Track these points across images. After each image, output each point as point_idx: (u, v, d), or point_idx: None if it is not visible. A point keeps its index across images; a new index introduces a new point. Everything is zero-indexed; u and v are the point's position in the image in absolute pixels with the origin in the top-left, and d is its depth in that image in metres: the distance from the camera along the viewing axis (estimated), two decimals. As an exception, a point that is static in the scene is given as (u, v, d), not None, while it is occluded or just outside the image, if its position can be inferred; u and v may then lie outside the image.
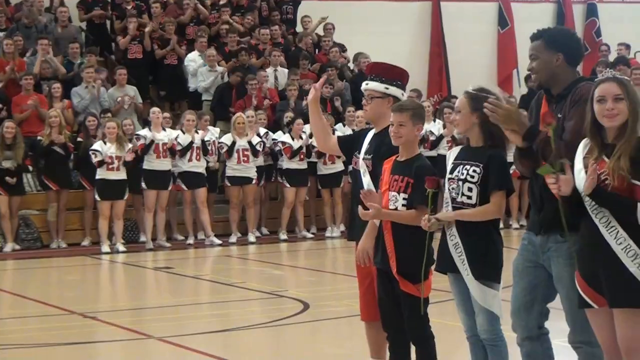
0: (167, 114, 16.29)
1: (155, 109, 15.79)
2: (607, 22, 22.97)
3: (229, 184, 16.01)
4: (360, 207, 5.91)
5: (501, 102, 5.06)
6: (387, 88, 6.24)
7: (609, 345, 4.69)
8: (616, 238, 4.52)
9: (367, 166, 6.16)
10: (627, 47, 20.31)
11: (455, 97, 18.28)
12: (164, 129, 15.53)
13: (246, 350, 8.33)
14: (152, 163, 15.28)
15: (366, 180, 6.14)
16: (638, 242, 4.48)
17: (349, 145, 6.47)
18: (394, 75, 6.31)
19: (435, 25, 21.99)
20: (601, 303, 4.65)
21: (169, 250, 15.32)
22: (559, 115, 4.97)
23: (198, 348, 8.18)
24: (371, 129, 6.32)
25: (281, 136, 16.39)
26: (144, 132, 15.44)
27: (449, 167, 5.60)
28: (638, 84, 16.58)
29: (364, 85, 6.38)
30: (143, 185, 15.26)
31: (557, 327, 5.37)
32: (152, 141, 15.17)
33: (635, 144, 4.49)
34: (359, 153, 6.31)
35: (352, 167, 6.50)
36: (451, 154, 5.67)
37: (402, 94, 6.27)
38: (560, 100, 5.04)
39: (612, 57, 20.06)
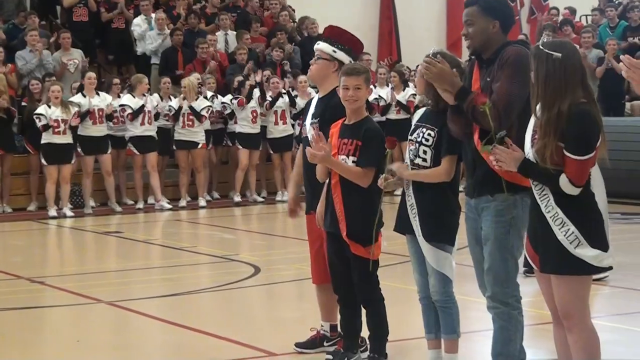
0: (116, 80, 16.10)
1: (91, 74, 15.58)
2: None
3: (176, 149, 15.93)
4: (308, 148, 5.86)
5: (444, 62, 5.03)
6: (334, 51, 6.25)
7: (551, 306, 4.74)
8: (546, 205, 4.57)
9: (314, 129, 6.14)
10: (573, 11, 20.45)
11: (399, 62, 18.34)
12: (98, 94, 15.36)
13: (197, 314, 8.30)
14: (88, 129, 15.14)
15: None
16: (566, 211, 4.52)
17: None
18: (345, 40, 6.31)
19: (385, -11, 21.94)
20: (539, 265, 4.70)
21: (118, 214, 15.21)
22: (488, 79, 5.01)
23: (148, 312, 8.15)
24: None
25: (230, 100, 16.28)
26: (78, 98, 15.22)
27: (412, 128, 5.62)
28: (587, 47, 16.74)
29: (315, 45, 6.40)
30: (80, 151, 15.11)
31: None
32: (88, 110, 15.00)
33: (557, 117, 4.48)
34: (305, 120, 6.33)
35: (301, 135, 6.49)
36: (415, 116, 5.72)
37: (350, 61, 6.25)
38: (490, 64, 5.08)
39: (557, 20, 20.20)
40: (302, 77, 16.36)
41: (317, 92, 6.58)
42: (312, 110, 6.34)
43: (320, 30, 17.55)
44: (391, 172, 5.55)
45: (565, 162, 4.48)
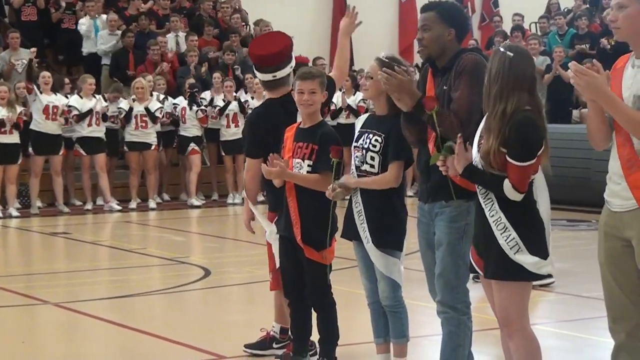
0: (66, 80, 15.98)
1: (45, 73, 15.46)
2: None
3: (127, 150, 15.84)
4: (264, 165, 5.88)
5: (409, 73, 5.06)
6: (274, 76, 6.29)
7: (497, 312, 4.78)
8: (490, 210, 4.61)
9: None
10: (522, 17, 20.65)
11: (352, 68, 18.38)
12: (55, 93, 15.24)
13: (146, 316, 8.27)
14: (41, 125, 15.00)
15: None
16: (509, 216, 4.57)
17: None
18: (274, 62, 6.28)
19: (338, -8, 21.96)
20: (483, 270, 4.74)
21: (66, 215, 15.09)
22: (445, 87, 5.04)
23: (96, 314, 8.09)
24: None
25: (181, 102, 16.24)
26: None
27: (356, 134, 5.63)
28: (534, 54, 16.93)
29: (257, 76, 6.47)
30: (30, 150, 14.98)
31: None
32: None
33: (500, 119, 4.53)
34: None
35: None
36: (358, 122, 5.71)
37: (291, 67, 6.32)
38: (445, 73, 5.11)
39: (508, 27, 20.39)
40: (256, 79, 16.36)
41: None
42: None
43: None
44: (337, 185, 5.56)
45: (508, 168, 4.53)
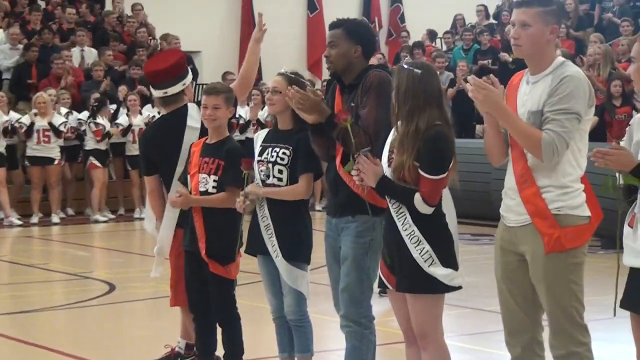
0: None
1: None
2: (411, 8, 23.58)
3: (29, 164, 15.58)
4: (170, 195, 5.91)
5: (314, 91, 5.12)
6: (165, 92, 6.27)
7: (403, 325, 4.83)
8: (403, 223, 4.65)
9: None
10: (433, 33, 20.88)
11: (261, 81, 18.41)
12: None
13: (48, 332, 8.13)
14: None
15: None
16: (422, 229, 4.62)
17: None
18: (166, 78, 6.24)
19: (246, 6, 21.93)
20: (394, 284, 4.77)
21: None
22: (352, 104, 5.10)
23: (-3, 330, 7.94)
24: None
25: (87, 116, 16.03)
26: None
27: (257, 149, 5.64)
28: (440, 70, 17.16)
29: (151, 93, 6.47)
30: None
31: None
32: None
33: (413, 136, 4.60)
34: None
35: None
36: (259, 137, 5.73)
37: (183, 84, 6.28)
38: (352, 89, 5.17)
39: (415, 42, 20.63)
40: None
41: None
42: None
43: (183, 48, 17.44)
44: (246, 194, 5.56)
45: (420, 181, 4.59)
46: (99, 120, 15.92)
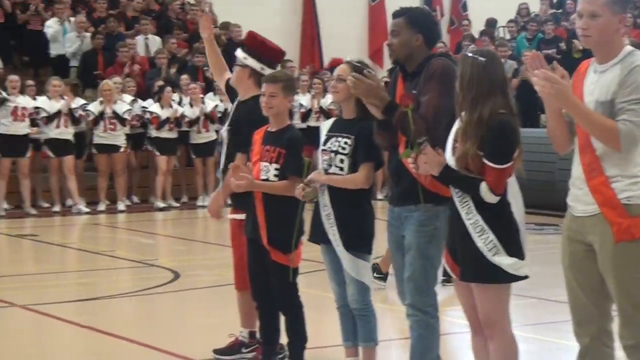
0: (30, 82, 15.86)
1: (13, 77, 15.34)
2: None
3: (96, 152, 15.74)
4: (232, 179, 5.91)
5: (373, 76, 5.12)
6: (245, 58, 6.30)
7: (469, 315, 4.81)
8: (467, 213, 4.64)
9: (224, 138, 6.27)
10: (494, 22, 20.73)
11: (325, 69, 18.44)
12: (22, 95, 15.13)
13: (114, 319, 8.23)
14: (8, 127, 14.88)
15: (224, 151, 6.24)
16: (486, 218, 4.61)
17: (232, 92, 6.54)
18: (256, 47, 6.35)
19: (307, -6, 21.97)
20: (458, 274, 4.76)
21: (33, 217, 14.98)
22: (414, 92, 5.09)
23: (63, 316, 8.04)
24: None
25: (151, 105, 16.19)
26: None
27: (322, 139, 5.64)
28: (504, 58, 16.99)
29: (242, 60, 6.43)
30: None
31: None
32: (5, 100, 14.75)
33: (477, 124, 4.58)
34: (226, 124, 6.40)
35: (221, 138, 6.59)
36: (324, 126, 5.73)
37: (262, 68, 6.29)
38: (414, 77, 5.17)
39: (477, 31, 20.49)
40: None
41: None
42: (231, 113, 6.41)
43: (244, 35, 17.53)
44: (308, 181, 5.58)
45: (485, 171, 4.57)
46: (156, 108, 15.99)
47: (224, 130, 6.39)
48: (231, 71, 6.56)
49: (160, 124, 15.93)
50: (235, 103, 6.46)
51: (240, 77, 6.34)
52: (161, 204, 15.96)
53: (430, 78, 5.05)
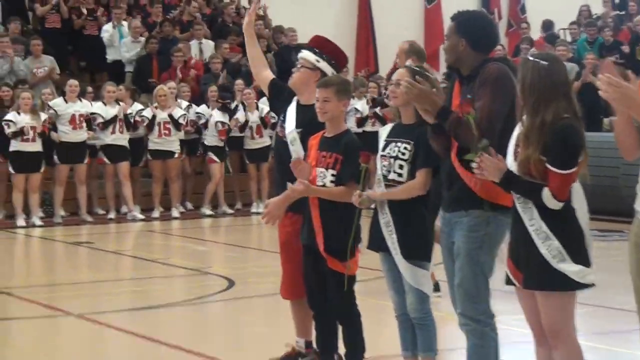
0: (89, 88, 15.93)
1: (72, 82, 15.41)
2: (532, -1, 23.19)
3: (151, 158, 15.74)
4: (289, 183, 5.79)
5: (433, 83, 5.11)
6: (318, 61, 6.17)
7: (533, 324, 4.70)
8: (530, 219, 4.56)
9: (292, 140, 6.05)
10: (550, 25, 20.46)
11: (377, 73, 18.28)
12: (80, 100, 15.19)
13: (169, 328, 8.17)
14: (67, 135, 14.93)
15: (295, 149, 6.02)
16: (550, 225, 4.51)
17: (278, 92, 6.39)
18: (329, 51, 6.24)
19: (363, -3, 21.88)
20: (521, 282, 4.66)
21: (89, 224, 15.00)
22: (469, 96, 5.02)
23: (119, 325, 8.01)
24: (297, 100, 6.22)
25: (219, 116, 16.08)
26: (58, 102, 15.09)
27: (381, 144, 5.55)
28: (564, 60, 16.72)
29: (299, 54, 6.32)
30: (55, 159, 14.88)
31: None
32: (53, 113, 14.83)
33: (540, 129, 4.49)
34: (284, 122, 6.19)
35: (277, 136, 6.40)
36: (383, 132, 5.66)
37: (332, 73, 6.17)
38: (470, 81, 5.10)
39: (535, 33, 20.22)
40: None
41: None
42: (292, 116, 6.17)
43: (300, 40, 17.47)
44: (365, 195, 5.47)
45: (548, 176, 4.47)
46: (219, 116, 15.95)
47: (291, 132, 6.17)
48: (284, 72, 6.43)
49: (242, 127, 15.97)
50: (295, 105, 6.26)
51: (307, 79, 6.16)
52: (208, 211, 15.88)
53: (484, 83, 4.99)
